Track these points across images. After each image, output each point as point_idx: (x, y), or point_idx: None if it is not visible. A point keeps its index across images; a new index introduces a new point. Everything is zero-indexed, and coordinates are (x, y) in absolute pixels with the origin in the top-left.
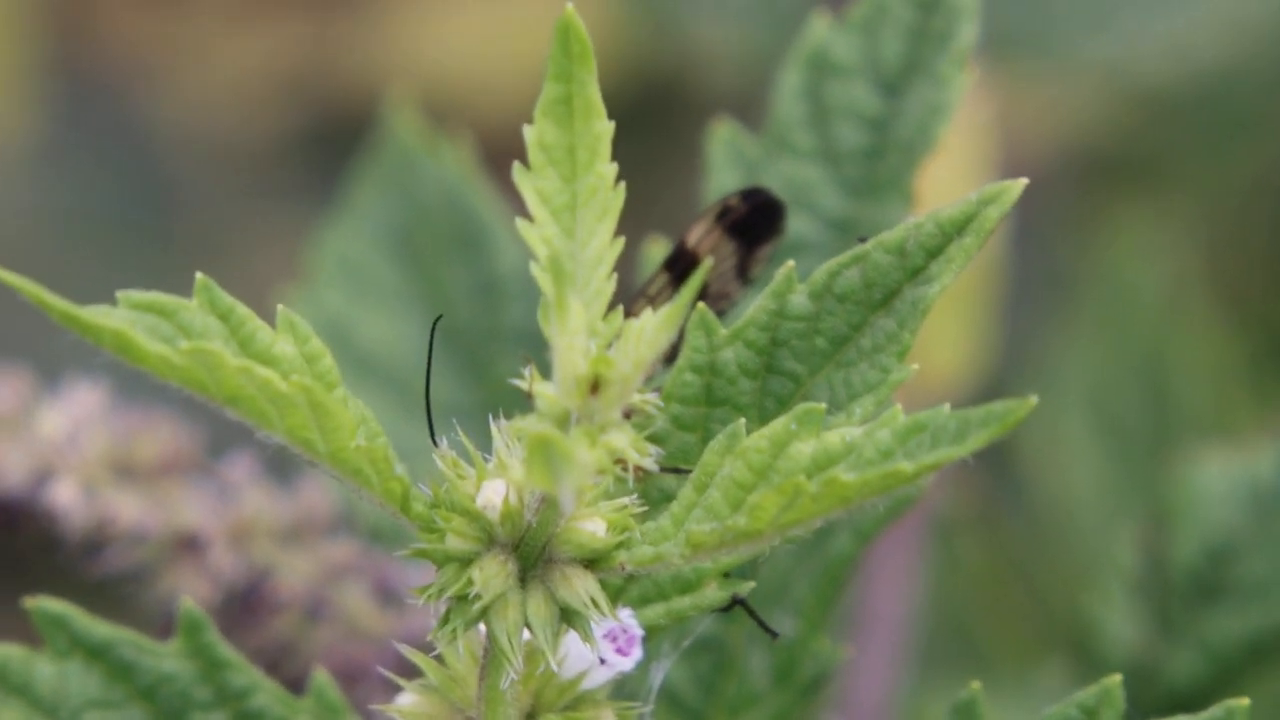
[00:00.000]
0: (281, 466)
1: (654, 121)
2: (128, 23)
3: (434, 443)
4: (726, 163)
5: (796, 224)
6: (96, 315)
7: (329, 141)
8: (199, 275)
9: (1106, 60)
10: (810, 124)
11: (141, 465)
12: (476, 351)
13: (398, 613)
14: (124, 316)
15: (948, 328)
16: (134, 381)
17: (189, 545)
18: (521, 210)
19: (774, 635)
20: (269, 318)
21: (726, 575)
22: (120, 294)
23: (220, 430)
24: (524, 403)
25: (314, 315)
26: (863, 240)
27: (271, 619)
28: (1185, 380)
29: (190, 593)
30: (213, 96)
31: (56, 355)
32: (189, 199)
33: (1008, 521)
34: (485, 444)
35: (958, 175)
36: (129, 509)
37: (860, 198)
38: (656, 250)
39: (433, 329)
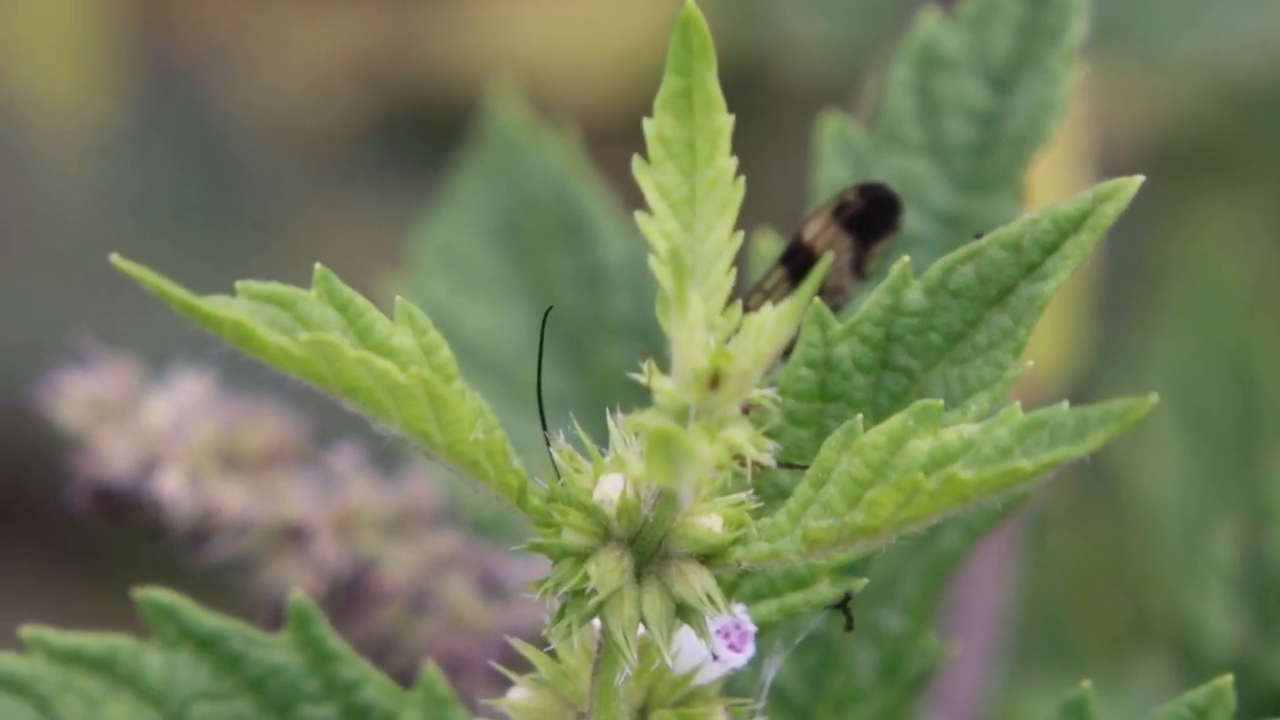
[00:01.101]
0: (386, 457)
1: (740, 111)
2: (205, 10)
3: (545, 435)
4: (836, 155)
5: (907, 219)
6: (217, 306)
7: (404, 130)
8: (318, 266)
9: (1195, 54)
10: (920, 118)
11: (247, 455)
12: (580, 342)
13: (501, 605)
14: (244, 307)
15: (1049, 323)
16: (241, 371)
17: (294, 535)
18: (626, 201)
19: (849, 628)
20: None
21: (838, 571)
22: (239, 284)
23: (326, 420)
24: (628, 393)
25: (419, 305)
26: (978, 236)
27: (376, 610)
28: (1271, 374)
29: (295, 583)
30: (288, 84)
31: (164, 344)
32: (264, 185)
33: (1099, 518)
34: (594, 436)
35: (1056, 169)
36: (234, 498)
37: (970, 192)
38: (765, 244)
39: (544, 320)
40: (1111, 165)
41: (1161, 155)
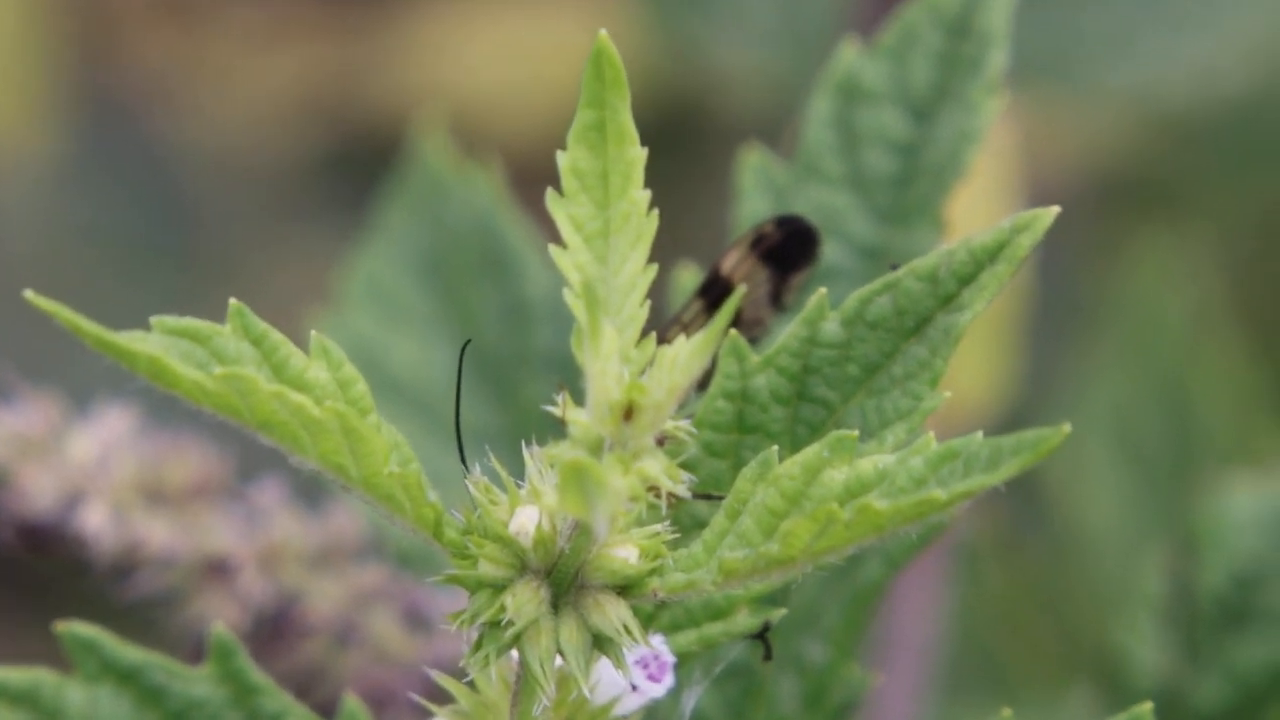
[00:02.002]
0: (310, 491)
1: (675, 145)
2: (150, 43)
3: (465, 468)
4: (756, 189)
5: (827, 251)
6: (131, 341)
7: (351, 164)
8: (232, 301)
9: (1130, 86)
10: (840, 150)
11: (171, 489)
12: (505, 375)
13: (426, 638)
14: (158, 342)
15: (974, 355)
16: (164, 406)
17: (218, 570)
18: (550, 235)
19: (768, 658)
20: (294, 340)
21: (757, 602)
22: (154, 319)
23: (250, 455)
24: (554, 428)
25: (343, 339)
26: (894, 268)
27: (301, 644)
28: (1208, 407)
29: (220, 617)
30: (234, 118)
31: (87, 379)
32: (209, 220)
33: (1031, 547)
34: (515, 469)
35: (982, 200)
36: (158, 533)
37: (890, 224)
38: (686, 276)
39: (461, 353)
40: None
41: (1100, 188)
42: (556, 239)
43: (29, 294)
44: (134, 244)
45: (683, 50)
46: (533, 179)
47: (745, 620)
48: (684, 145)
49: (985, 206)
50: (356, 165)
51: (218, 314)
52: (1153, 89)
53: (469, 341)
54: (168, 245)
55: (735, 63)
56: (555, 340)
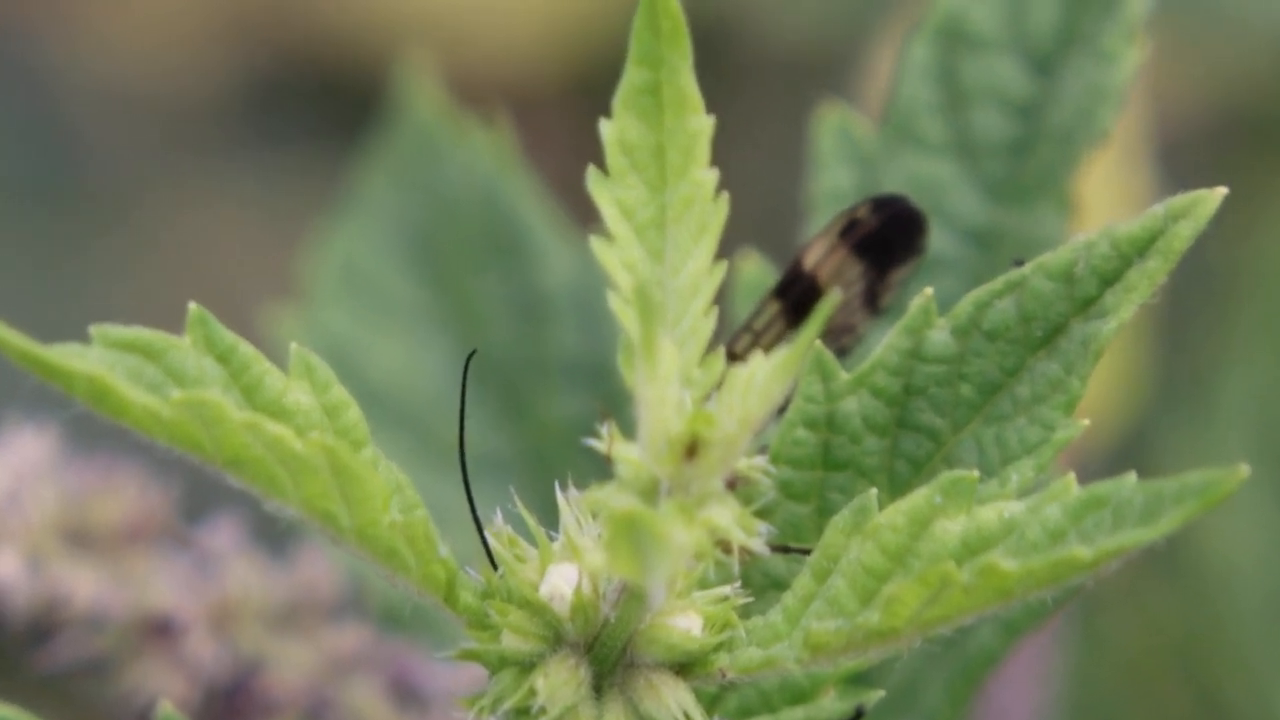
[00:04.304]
0: (273, 532)
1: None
2: None
3: (472, 510)
4: (838, 158)
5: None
6: (67, 357)
7: (280, 96)
8: (193, 306)
9: (1260, 19)
10: (942, 110)
11: (100, 531)
12: (516, 387)
13: (419, 715)
14: (101, 358)
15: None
16: (90, 425)
17: (160, 631)
18: (574, 213)
19: None
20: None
21: (847, 681)
22: (96, 329)
23: (198, 488)
24: (576, 452)
25: (313, 340)
26: (1019, 263)
27: None
28: None
29: (164, 690)
30: (137, 42)
31: None
32: (107, 158)
33: (1160, 593)
34: (530, 503)
35: (1108, 166)
36: (84, 585)
37: (1005, 202)
38: (748, 268)
39: (466, 364)
40: (1169, 151)
41: (1225, 134)
42: (574, 210)
43: None
44: (18, 185)
45: None
46: (518, 116)
47: (832, 705)
48: (711, 85)
49: (1110, 175)
50: (286, 98)
51: (107, 264)
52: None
53: (474, 352)
54: (58, 187)
55: None
56: (579, 342)
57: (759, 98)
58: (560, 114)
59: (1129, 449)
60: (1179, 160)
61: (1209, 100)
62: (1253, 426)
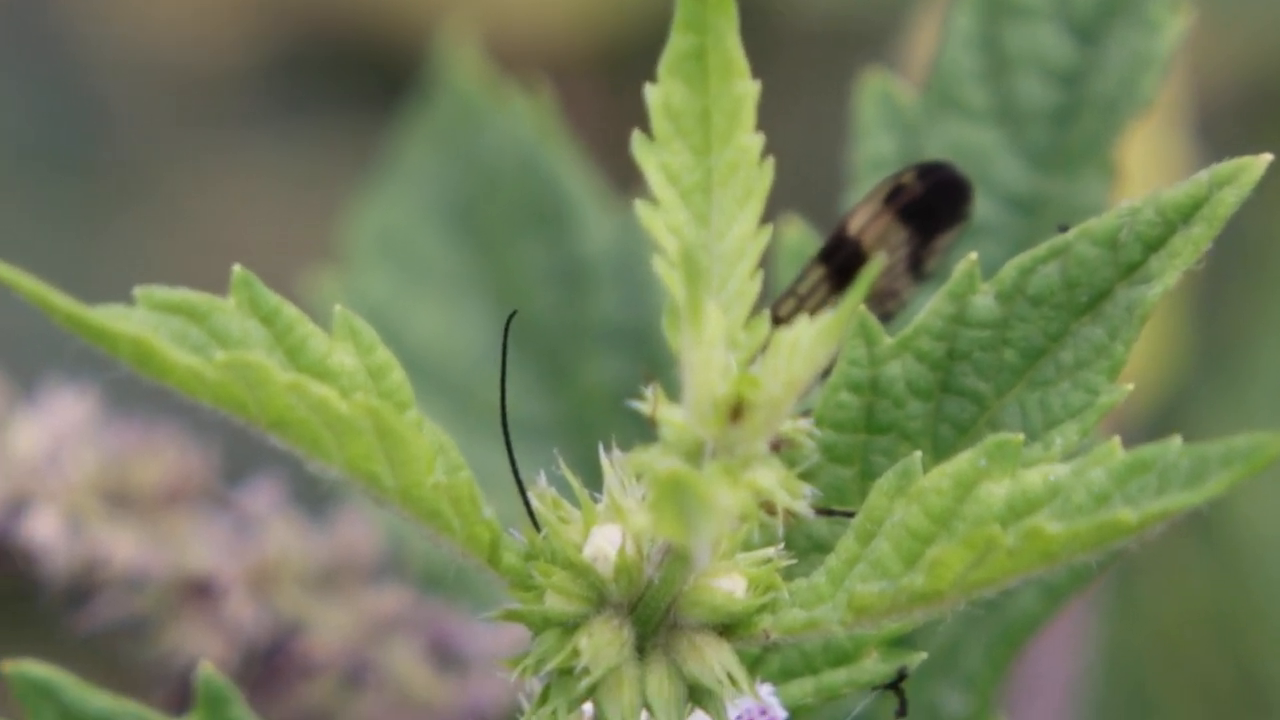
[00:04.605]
0: (313, 494)
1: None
2: None
3: (515, 473)
4: (880, 124)
5: None
6: (112, 319)
7: (307, 66)
8: (237, 268)
9: None
10: (985, 77)
11: (140, 492)
12: (556, 351)
13: (459, 678)
14: (145, 320)
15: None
16: (130, 386)
17: (199, 592)
18: (609, 171)
19: (902, 714)
20: (223, 282)
21: (889, 644)
22: (140, 291)
23: (238, 449)
24: (616, 416)
25: (352, 305)
26: (1064, 228)
27: (302, 685)
28: None
29: (201, 652)
30: (161, 9)
31: (35, 353)
32: (131, 128)
33: (1195, 560)
34: (572, 468)
35: (1147, 134)
36: (124, 547)
37: (1048, 170)
38: (792, 233)
39: (506, 327)
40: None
41: (1258, 108)
42: (612, 176)
43: None
44: (40, 155)
45: None
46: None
47: (875, 666)
48: (750, 54)
49: (1149, 142)
50: (314, 68)
51: (130, 236)
52: None
53: (514, 313)
54: (80, 157)
55: None
56: (620, 308)
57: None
58: (589, 83)
59: (1164, 416)
60: (1214, 133)
61: (1243, 74)
62: None
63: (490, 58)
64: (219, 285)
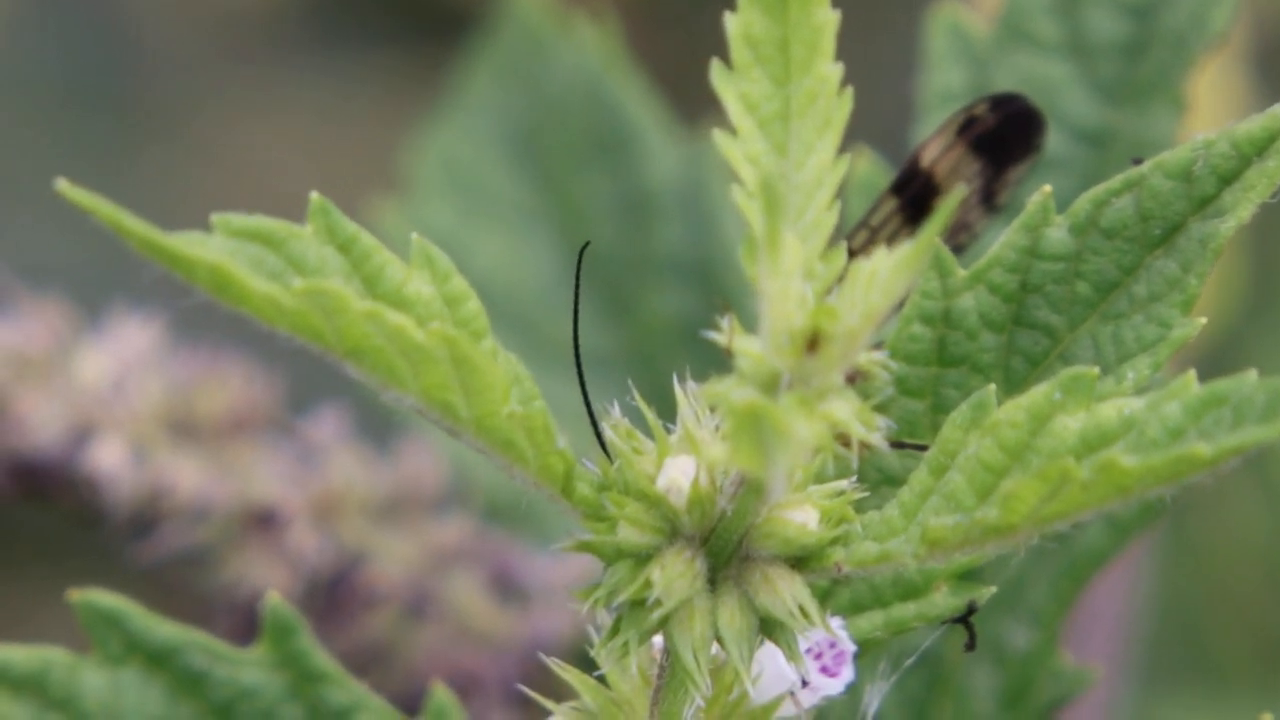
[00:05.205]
0: (377, 424)
1: None
2: None
3: (586, 403)
4: (951, 56)
5: None
6: (189, 245)
7: (335, 3)
8: (315, 195)
9: None
10: (1056, 9)
11: (204, 422)
12: (619, 284)
13: (521, 611)
14: (222, 246)
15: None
16: (195, 315)
17: (263, 522)
18: (677, 106)
19: (971, 647)
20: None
21: (959, 577)
22: (216, 217)
23: (302, 377)
24: (679, 349)
25: (418, 233)
26: (1137, 162)
27: (364, 615)
28: None
29: (265, 581)
30: None
31: (101, 280)
32: (165, 63)
33: (1247, 497)
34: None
35: (1210, 69)
36: (188, 476)
37: (1118, 103)
38: (862, 165)
39: (579, 261)
40: (1263, 57)
41: None
42: (684, 112)
43: (63, 185)
44: (73, 91)
45: None
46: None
47: (944, 600)
48: None
49: (1216, 78)
50: (341, 4)
51: (165, 170)
52: None
53: (586, 244)
54: (110, 89)
55: None
56: (684, 239)
57: None
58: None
59: (1219, 350)
60: (1269, 66)
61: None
62: None
63: None
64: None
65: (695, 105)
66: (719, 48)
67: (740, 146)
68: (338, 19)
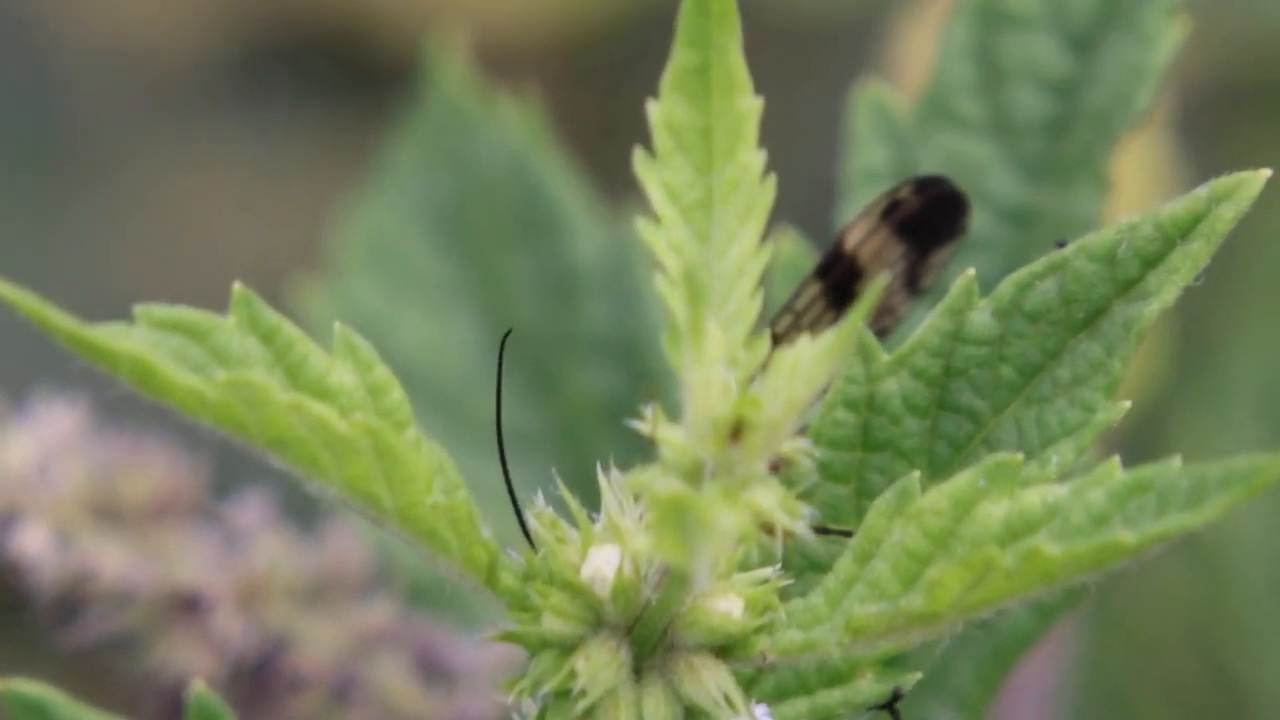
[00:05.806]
0: (302, 508)
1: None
2: None
3: (510, 490)
4: (874, 135)
5: None
6: (112, 337)
7: (265, 55)
8: (237, 286)
9: None
10: (980, 88)
11: (129, 506)
12: (544, 362)
13: (446, 694)
14: (145, 338)
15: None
16: (120, 399)
17: (188, 607)
18: (602, 189)
19: None
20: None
21: (884, 664)
22: (139, 309)
23: (227, 462)
24: (605, 429)
25: (341, 314)
26: (1060, 244)
27: (289, 699)
28: None
29: (190, 666)
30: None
31: (23, 365)
32: (90, 114)
33: (1174, 568)
34: (562, 481)
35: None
36: (112, 560)
37: (1042, 182)
38: (787, 246)
39: (502, 344)
40: (1182, 113)
41: (1227, 100)
42: (606, 169)
43: None
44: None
45: None
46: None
47: (870, 687)
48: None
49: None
50: (272, 56)
51: (95, 221)
52: None
53: (510, 331)
54: (39, 140)
55: None
56: (609, 320)
57: (773, 67)
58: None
59: (1144, 425)
60: (1188, 127)
61: (1213, 67)
62: (1259, 400)
63: (479, 63)
64: (176, 274)
65: (617, 163)
66: (640, 108)
67: (663, 234)
68: (269, 71)
